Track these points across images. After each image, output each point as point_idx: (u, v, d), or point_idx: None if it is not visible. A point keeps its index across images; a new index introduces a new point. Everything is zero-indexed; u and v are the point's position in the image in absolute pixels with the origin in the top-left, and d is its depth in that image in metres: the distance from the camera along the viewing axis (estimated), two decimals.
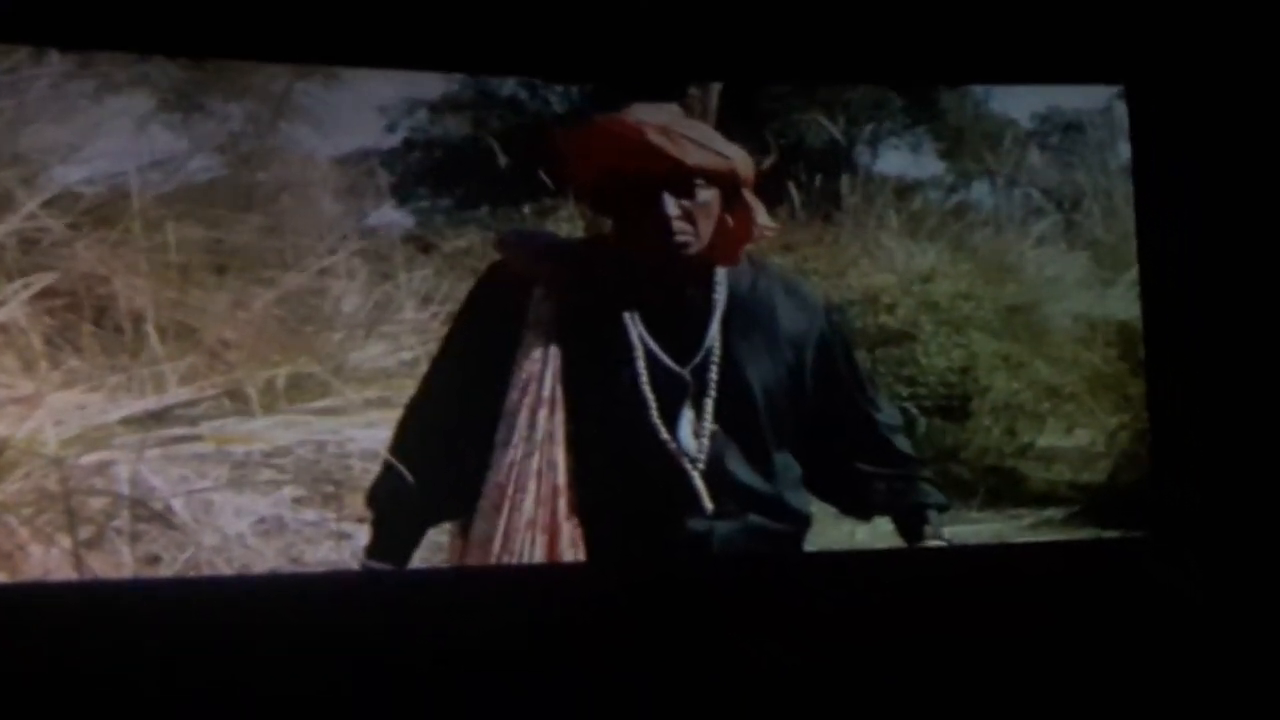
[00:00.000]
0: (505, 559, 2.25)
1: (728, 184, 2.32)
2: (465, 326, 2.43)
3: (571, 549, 2.28)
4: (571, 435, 2.29)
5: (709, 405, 2.33)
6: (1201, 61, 2.80)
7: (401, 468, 2.34)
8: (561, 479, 2.27)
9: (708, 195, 2.30)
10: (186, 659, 2.36)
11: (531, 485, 2.26)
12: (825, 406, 2.41)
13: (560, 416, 2.29)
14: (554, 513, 2.27)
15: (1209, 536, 2.74)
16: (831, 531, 2.53)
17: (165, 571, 2.41)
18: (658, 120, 2.32)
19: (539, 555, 2.26)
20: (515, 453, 2.27)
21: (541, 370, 2.31)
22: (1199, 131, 2.81)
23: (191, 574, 2.42)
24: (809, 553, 2.49)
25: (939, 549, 2.50)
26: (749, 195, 2.35)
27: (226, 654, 2.37)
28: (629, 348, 2.33)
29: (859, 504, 2.49)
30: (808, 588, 2.59)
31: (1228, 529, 2.75)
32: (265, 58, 2.62)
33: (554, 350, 2.32)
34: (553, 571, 2.30)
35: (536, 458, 2.26)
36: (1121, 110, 2.87)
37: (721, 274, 2.37)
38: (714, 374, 2.33)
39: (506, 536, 2.24)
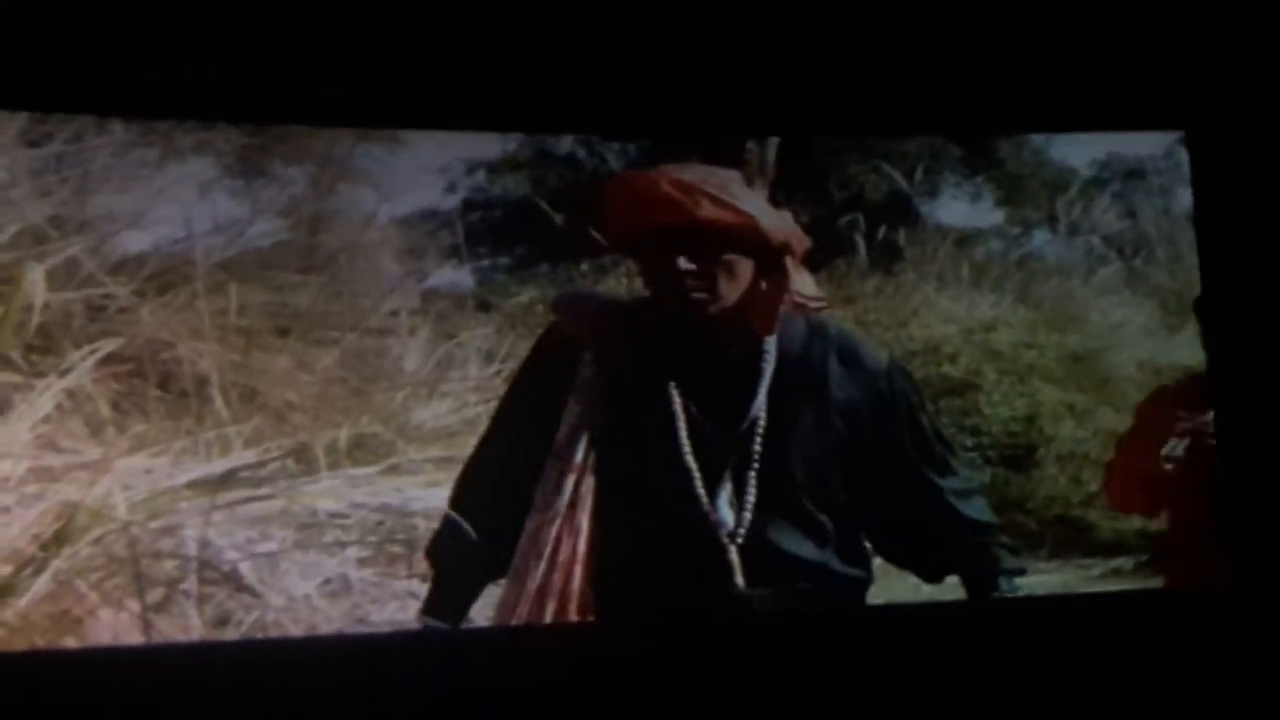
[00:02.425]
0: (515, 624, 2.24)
1: (752, 243, 2.26)
2: (520, 387, 2.43)
3: (580, 617, 2.26)
4: (602, 503, 2.27)
5: (751, 477, 2.28)
6: (1262, 106, 2.79)
7: (460, 524, 2.34)
8: (583, 546, 2.25)
9: (731, 256, 2.26)
10: None
11: (548, 551, 2.23)
12: (887, 474, 2.36)
13: (590, 482, 2.27)
14: (568, 579, 2.24)
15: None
16: (898, 585, 2.51)
17: (233, 633, 2.43)
18: (680, 175, 2.27)
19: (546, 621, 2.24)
20: (540, 518, 2.25)
21: (576, 435, 2.29)
22: (1261, 177, 2.79)
23: (259, 635, 2.44)
24: (870, 606, 2.45)
25: (1007, 600, 2.46)
26: (791, 264, 2.29)
27: (295, 715, 2.37)
28: (671, 416, 2.29)
29: (927, 570, 2.44)
30: (868, 641, 2.56)
31: None
32: (325, 122, 2.65)
33: (592, 416, 2.30)
34: (598, 631, 2.28)
35: (558, 524, 2.24)
36: (1183, 156, 2.86)
37: (771, 340, 2.32)
38: (758, 445, 2.29)
39: (517, 602, 2.23)
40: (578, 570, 2.24)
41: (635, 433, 2.30)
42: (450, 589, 2.37)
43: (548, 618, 2.23)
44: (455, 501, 2.38)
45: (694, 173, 2.29)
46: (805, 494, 2.30)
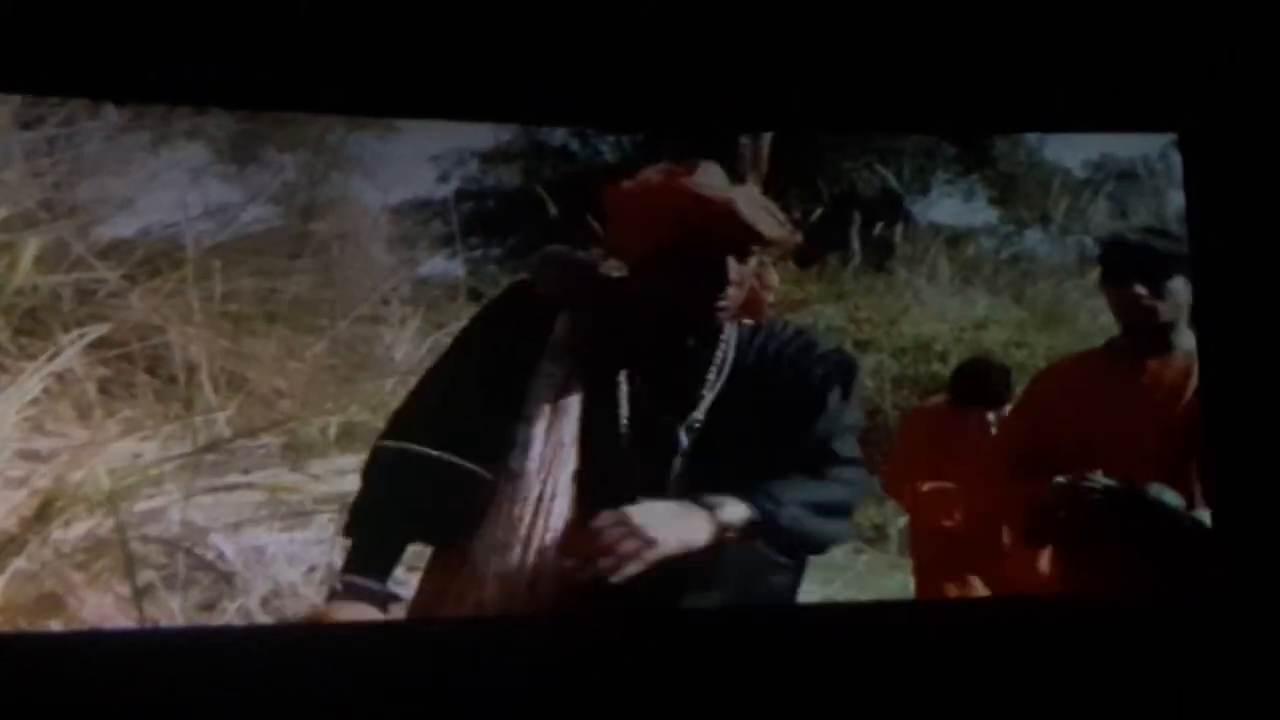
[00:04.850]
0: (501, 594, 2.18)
1: (756, 248, 2.24)
2: (480, 343, 2.32)
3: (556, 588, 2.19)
4: (575, 480, 2.22)
5: (700, 464, 2.24)
6: (1256, 109, 2.79)
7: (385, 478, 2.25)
8: (560, 521, 2.20)
9: (742, 265, 2.23)
10: (239, 706, 2.35)
11: (523, 528, 2.18)
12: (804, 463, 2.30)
13: (573, 451, 2.22)
14: (541, 554, 2.18)
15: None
16: (884, 582, 2.51)
17: (218, 619, 2.42)
18: (686, 183, 2.21)
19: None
20: (515, 486, 2.18)
21: (559, 399, 2.24)
22: (1254, 180, 2.79)
23: (244, 621, 2.43)
24: (861, 603, 2.45)
25: (999, 599, 2.43)
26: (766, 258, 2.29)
27: (278, 702, 2.36)
28: (616, 402, 2.25)
29: None
30: (837, 641, 2.56)
31: None
32: (319, 109, 2.65)
33: (570, 381, 2.25)
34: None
35: (537, 491, 2.19)
36: (1176, 158, 2.86)
37: (730, 330, 2.30)
38: (707, 432, 2.25)
39: (518, 568, 2.16)
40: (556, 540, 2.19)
41: (594, 407, 2.26)
42: (371, 548, 2.26)
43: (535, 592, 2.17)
44: (378, 456, 2.26)
45: (698, 177, 2.24)
46: (746, 481, 2.24)
